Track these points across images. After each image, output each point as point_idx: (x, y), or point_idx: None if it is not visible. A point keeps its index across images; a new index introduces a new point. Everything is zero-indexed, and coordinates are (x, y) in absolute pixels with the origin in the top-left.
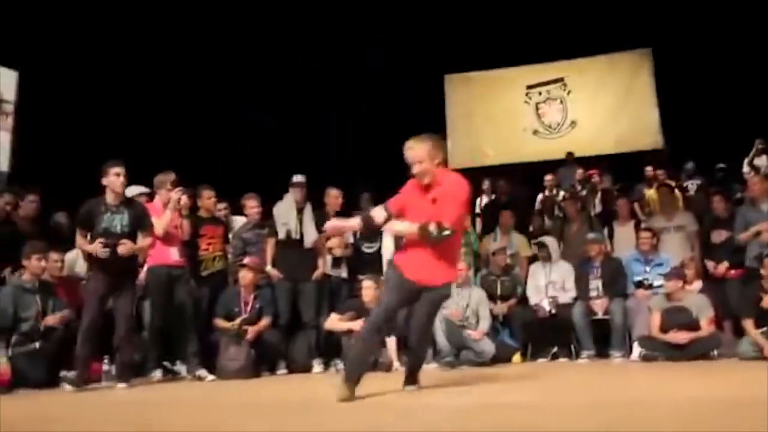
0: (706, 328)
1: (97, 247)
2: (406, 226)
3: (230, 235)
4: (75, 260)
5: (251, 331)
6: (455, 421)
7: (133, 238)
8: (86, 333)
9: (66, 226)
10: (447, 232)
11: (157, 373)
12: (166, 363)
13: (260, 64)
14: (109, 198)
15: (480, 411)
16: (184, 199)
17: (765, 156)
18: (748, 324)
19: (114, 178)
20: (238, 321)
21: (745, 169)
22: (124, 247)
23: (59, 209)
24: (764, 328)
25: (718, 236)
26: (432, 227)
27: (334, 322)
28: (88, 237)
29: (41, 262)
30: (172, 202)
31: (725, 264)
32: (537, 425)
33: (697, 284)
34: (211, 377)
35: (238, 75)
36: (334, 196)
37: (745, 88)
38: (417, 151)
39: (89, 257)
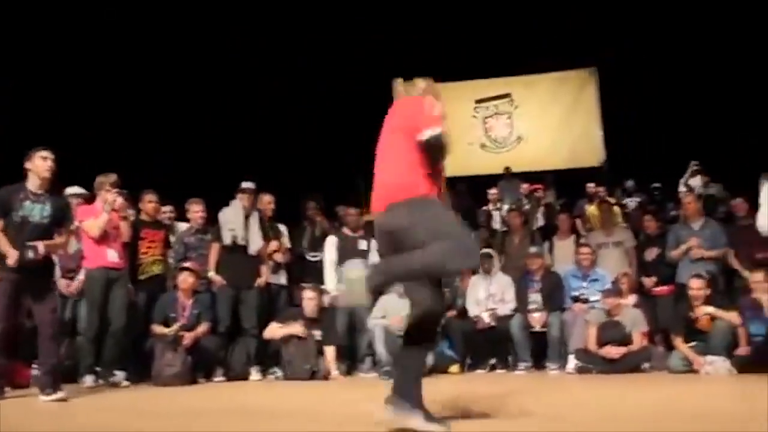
0: (639, 342)
1: (12, 253)
2: None
3: (172, 240)
4: None
5: (188, 337)
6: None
7: (51, 230)
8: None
9: None
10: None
11: (89, 379)
12: (98, 368)
13: (209, 71)
14: (32, 185)
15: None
16: (120, 200)
17: (699, 177)
18: (678, 340)
19: (40, 161)
20: (175, 327)
21: (681, 188)
22: (42, 246)
23: None
24: (693, 343)
25: (650, 254)
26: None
27: (273, 330)
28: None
29: None
30: (107, 204)
31: (653, 279)
32: None
33: (632, 298)
34: (126, 383)
35: (187, 80)
36: (266, 202)
37: (684, 110)
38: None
39: None
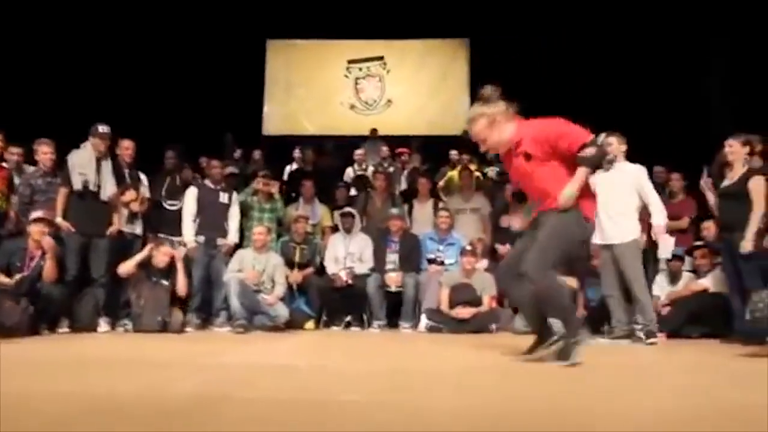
0: (488, 304)
1: None
2: (574, 182)
3: (17, 182)
4: None
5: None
6: (239, 383)
7: None
8: None
9: None
10: (595, 143)
11: None
12: None
13: (75, 6)
14: None
15: (261, 373)
16: None
17: None
18: None
19: None
20: (17, 277)
21: None
22: None
23: None
24: None
25: (506, 221)
26: (587, 153)
27: (125, 265)
28: None
29: None
30: None
31: (507, 246)
32: (316, 387)
33: (484, 262)
34: None
35: (47, 12)
36: (125, 147)
37: (553, 82)
38: (474, 130)
39: None
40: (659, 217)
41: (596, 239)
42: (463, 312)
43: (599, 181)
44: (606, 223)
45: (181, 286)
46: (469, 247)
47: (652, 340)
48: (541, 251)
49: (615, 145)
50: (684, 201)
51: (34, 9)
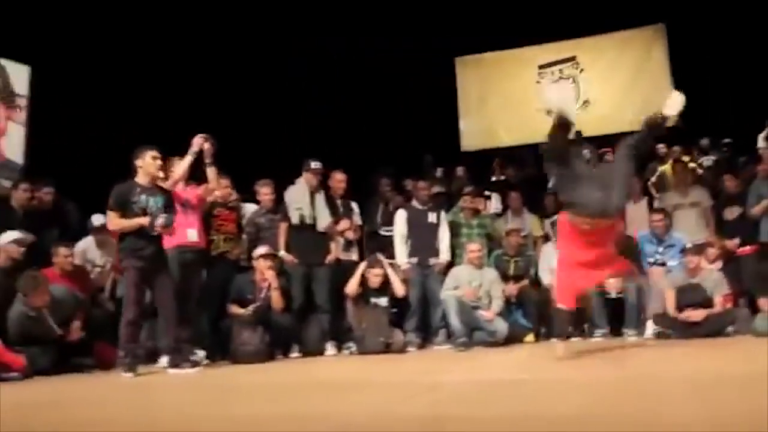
0: (720, 305)
1: (147, 220)
2: None
3: (243, 222)
4: (86, 249)
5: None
6: (465, 401)
7: None
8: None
9: (76, 218)
10: None
11: (165, 360)
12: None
13: (272, 49)
14: (143, 180)
15: (489, 389)
16: (208, 146)
17: None
18: (763, 300)
19: (151, 161)
20: (251, 308)
21: (762, 144)
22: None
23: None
24: None
25: (731, 213)
26: None
27: (349, 287)
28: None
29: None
30: (195, 146)
31: (736, 241)
32: (544, 401)
33: (718, 264)
34: (206, 361)
35: (249, 60)
36: (337, 180)
37: (761, 62)
38: None
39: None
40: None
41: None
42: (694, 314)
43: None
44: None
45: (399, 291)
46: (689, 245)
47: None
48: None
49: None
50: None
51: (242, 59)
